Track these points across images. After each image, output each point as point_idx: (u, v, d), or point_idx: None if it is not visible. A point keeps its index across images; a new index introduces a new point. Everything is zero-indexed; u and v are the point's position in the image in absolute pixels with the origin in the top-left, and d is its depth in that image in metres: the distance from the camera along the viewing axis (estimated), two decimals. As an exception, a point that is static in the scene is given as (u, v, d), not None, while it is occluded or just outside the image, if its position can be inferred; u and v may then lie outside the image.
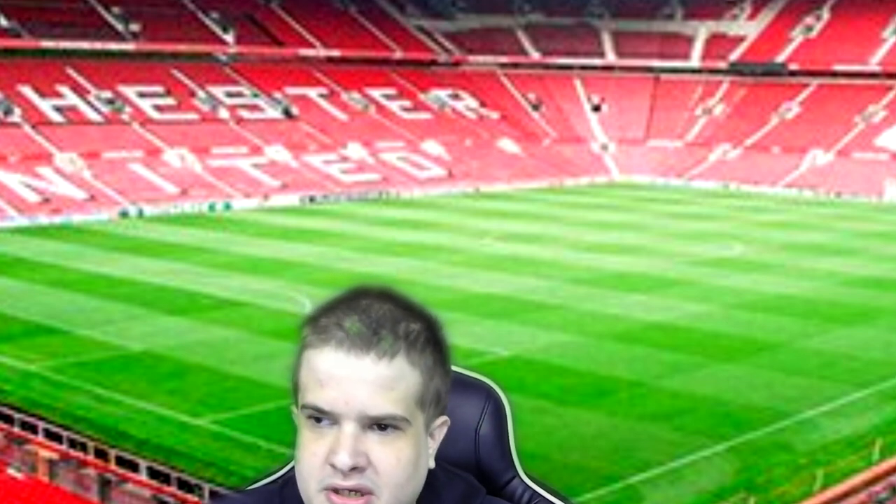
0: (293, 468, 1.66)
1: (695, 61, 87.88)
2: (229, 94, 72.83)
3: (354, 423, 1.55)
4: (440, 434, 1.68)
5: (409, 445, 1.58)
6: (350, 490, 1.56)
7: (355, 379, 1.55)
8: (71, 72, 68.48)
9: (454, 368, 1.88)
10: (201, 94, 71.51)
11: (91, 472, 19.85)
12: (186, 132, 66.47)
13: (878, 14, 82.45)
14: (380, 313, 1.58)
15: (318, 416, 1.57)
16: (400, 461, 1.57)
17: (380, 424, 1.56)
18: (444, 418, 1.67)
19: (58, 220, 52.88)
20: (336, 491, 1.57)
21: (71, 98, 66.48)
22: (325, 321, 1.59)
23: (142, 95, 69.10)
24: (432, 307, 1.69)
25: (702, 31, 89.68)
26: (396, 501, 1.59)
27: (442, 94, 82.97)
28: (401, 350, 1.57)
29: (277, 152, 67.92)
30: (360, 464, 1.55)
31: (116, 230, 50.87)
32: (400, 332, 1.58)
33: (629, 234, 50.60)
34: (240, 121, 70.48)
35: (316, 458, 1.57)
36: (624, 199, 65.94)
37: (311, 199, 62.58)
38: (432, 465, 1.67)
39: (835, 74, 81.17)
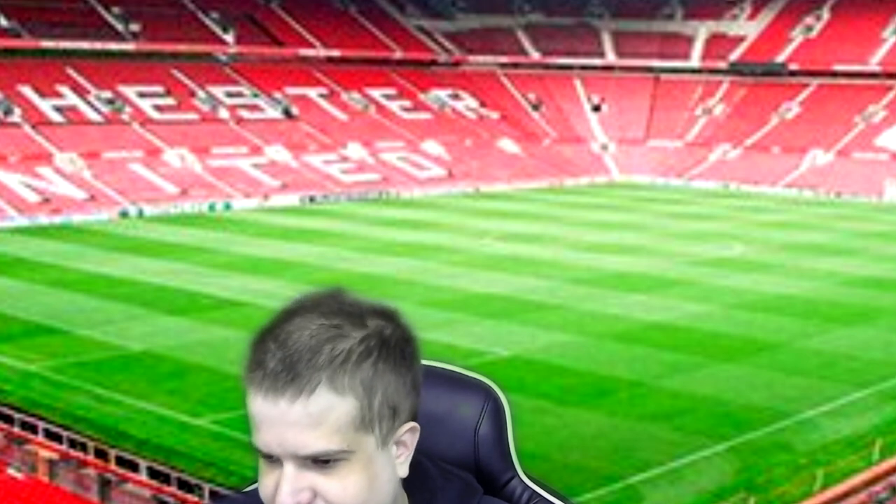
0: None
1: (695, 61, 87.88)
2: (229, 94, 72.84)
3: (291, 462, 1.51)
4: (412, 438, 1.61)
5: (355, 472, 1.52)
6: None
7: (278, 422, 1.50)
8: (71, 72, 68.49)
9: (453, 368, 1.87)
10: (201, 94, 71.52)
11: (91, 472, 19.85)
12: (186, 132, 66.47)
13: (878, 14, 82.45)
14: (299, 343, 1.49)
15: (263, 455, 1.55)
16: (346, 490, 1.52)
17: (318, 459, 1.51)
18: (410, 425, 1.60)
19: (58, 220, 52.88)
20: None
21: (71, 98, 66.48)
22: (252, 356, 1.55)
23: (142, 95, 69.11)
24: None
25: (702, 31, 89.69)
26: None
27: (442, 94, 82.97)
28: (321, 381, 1.48)
29: (277, 152, 67.93)
30: (301, 500, 1.51)
31: (116, 230, 50.87)
32: (320, 361, 1.48)
33: (629, 234, 50.60)
34: (240, 121, 70.49)
35: (269, 490, 1.55)
36: (624, 199, 65.93)
37: (311, 199, 62.59)
38: (404, 473, 1.61)
39: (835, 74, 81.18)
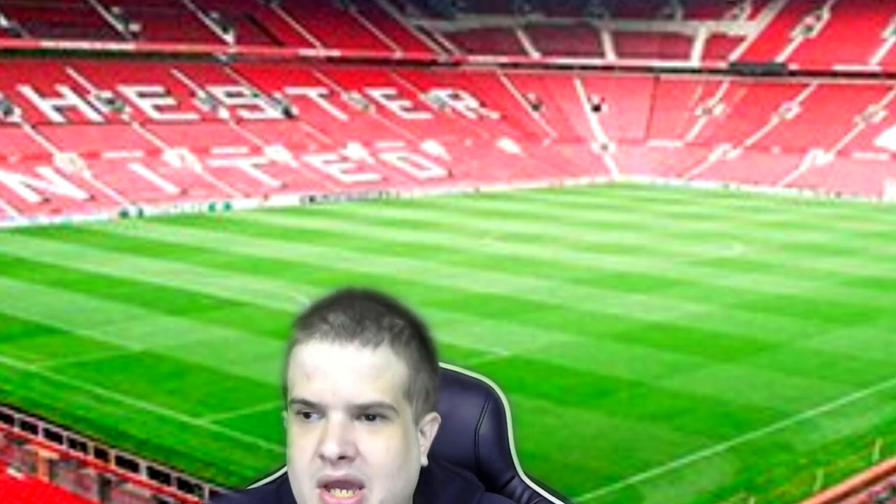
0: None
1: (695, 61, 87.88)
2: (229, 94, 72.83)
3: (342, 412, 1.56)
4: (431, 430, 1.68)
5: (397, 435, 1.59)
6: (341, 483, 1.56)
7: (341, 368, 1.57)
8: (71, 72, 68.49)
9: (454, 368, 1.88)
10: (201, 94, 71.52)
11: (91, 472, 19.85)
12: (186, 132, 66.48)
13: (878, 14, 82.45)
14: (364, 308, 1.61)
15: (307, 411, 1.58)
16: (389, 450, 1.58)
17: (367, 414, 1.57)
18: (434, 414, 1.68)
19: (58, 220, 52.87)
20: (328, 487, 1.56)
21: (71, 98, 66.48)
22: (310, 318, 1.62)
23: (142, 95, 69.11)
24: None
25: (702, 31, 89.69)
26: (389, 494, 1.59)
27: (442, 94, 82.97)
28: (385, 339, 1.60)
29: (277, 152, 67.93)
30: (348, 453, 1.55)
31: (116, 230, 50.86)
32: (384, 323, 1.61)
33: (629, 234, 50.60)
34: (240, 121, 70.49)
35: (306, 452, 1.57)
36: (624, 199, 65.93)
37: (311, 199, 62.59)
38: (425, 462, 1.66)
39: (835, 74, 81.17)
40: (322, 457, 1.55)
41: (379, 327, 1.60)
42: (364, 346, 1.58)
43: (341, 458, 1.55)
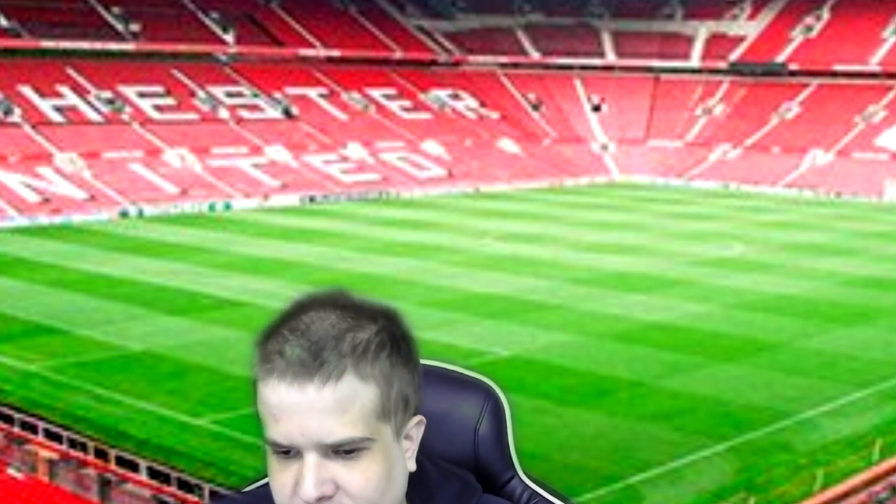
0: None
1: (695, 61, 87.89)
2: (229, 94, 72.83)
3: (314, 452, 1.51)
4: (418, 433, 1.64)
5: (376, 462, 1.54)
6: None
7: (304, 409, 1.49)
8: (71, 72, 68.49)
9: (453, 368, 1.87)
10: (201, 94, 71.51)
11: (91, 472, 19.85)
12: (186, 132, 66.48)
13: (878, 14, 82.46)
14: (321, 332, 1.52)
15: (281, 451, 1.54)
16: (369, 480, 1.53)
17: (342, 449, 1.52)
18: (418, 418, 1.63)
19: (58, 220, 52.88)
20: None
21: (71, 98, 66.48)
22: (267, 348, 1.56)
23: (142, 95, 69.11)
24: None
25: (702, 31, 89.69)
26: None
27: (442, 94, 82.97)
28: (347, 368, 1.50)
29: (277, 152, 67.93)
30: (326, 492, 1.51)
31: (116, 230, 50.86)
32: (344, 348, 1.51)
33: (629, 234, 50.59)
34: (240, 121, 70.48)
35: (286, 489, 1.54)
36: (624, 199, 65.93)
37: (311, 199, 62.59)
38: (412, 467, 1.63)
39: (835, 74, 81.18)
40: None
41: (339, 355, 1.50)
42: (325, 384, 1.49)
43: (320, 499, 1.50)
